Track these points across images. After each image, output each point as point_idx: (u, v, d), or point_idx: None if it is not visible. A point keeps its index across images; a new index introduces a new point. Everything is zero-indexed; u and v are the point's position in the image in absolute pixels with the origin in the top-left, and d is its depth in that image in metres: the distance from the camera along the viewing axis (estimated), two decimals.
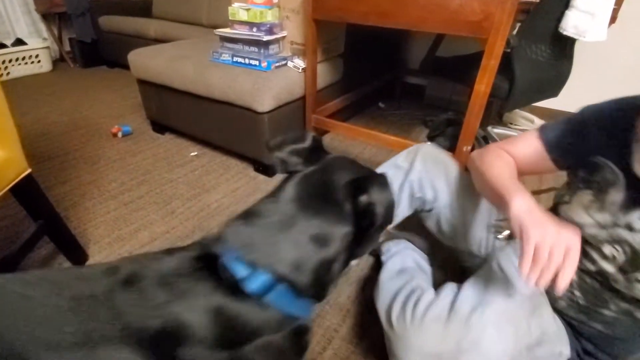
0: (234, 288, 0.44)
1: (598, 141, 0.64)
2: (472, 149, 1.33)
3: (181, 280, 0.44)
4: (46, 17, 3.41)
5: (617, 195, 0.60)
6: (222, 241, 0.47)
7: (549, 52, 1.51)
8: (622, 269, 0.61)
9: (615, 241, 0.61)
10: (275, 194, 0.51)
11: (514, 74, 1.45)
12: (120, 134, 2.06)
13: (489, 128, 1.90)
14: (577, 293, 0.73)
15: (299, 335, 0.51)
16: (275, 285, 0.45)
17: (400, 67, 2.57)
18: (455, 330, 0.69)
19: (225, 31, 1.58)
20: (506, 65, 1.43)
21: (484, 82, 1.17)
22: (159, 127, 2.11)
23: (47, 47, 3.28)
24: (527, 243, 0.55)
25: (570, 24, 1.32)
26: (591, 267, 0.67)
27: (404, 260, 1.01)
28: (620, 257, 0.61)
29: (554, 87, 1.64)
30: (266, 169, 1.70)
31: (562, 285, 0.52)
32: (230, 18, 1.55)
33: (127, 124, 2.17)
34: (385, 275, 0.96)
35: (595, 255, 0.66)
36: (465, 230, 0.95)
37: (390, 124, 2.31)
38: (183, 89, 1.71)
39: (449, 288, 0.77)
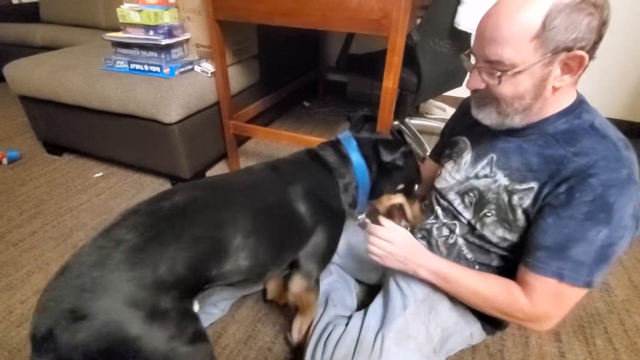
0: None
1: (455, 127, 0.93)
2: None
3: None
4: None
5: (467, 157, 0.82)
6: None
7: (450, 46, 1.60)
8: (474, 212, 0.78)
9: (470, 190, 0.80)
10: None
11: (420, 67, 1.51)
12: (5, 161, 1.75)
13: (407, 120, 1.98)
14: (469, 256, 0.83)
15: None
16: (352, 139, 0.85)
17: (321, 65, 2.57)
18: None
19: (117, 36, 1.41)
20: (412, 59, 1.49)
21: (390, 79, 1.20)
22: (54, 148, 1.84)
23: None
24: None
25: (462, 19, 1.41)
26: (464, 220, 0.81)
27: (326, 289, 1.03)
28: (473, 201, 0.79)
29: (458, 77, 1.75)
30: None
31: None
32: (120, 21, 1.38)
33: (14, 147, 1.86)
34: None
35: (461, 209, 0.82)
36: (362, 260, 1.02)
37: (316, 123, 2.30)
38: (74, 103, 1.49)
39: (357, 317, 0.85)
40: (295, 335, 0.93)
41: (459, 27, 1.44)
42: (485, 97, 0.69)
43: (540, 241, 0.66)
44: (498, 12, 0.60)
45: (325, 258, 0.82)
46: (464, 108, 0.89)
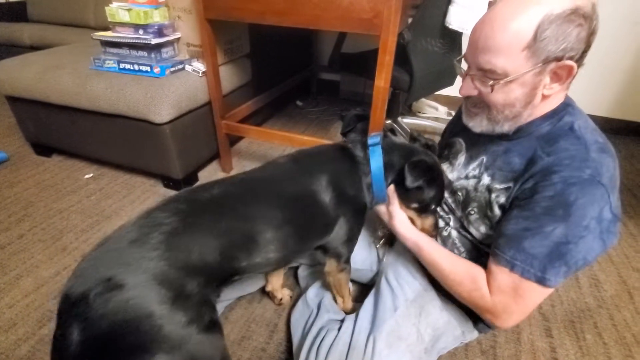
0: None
1: (454, 128, 0.94)
2: None
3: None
4: None
5: (461, 158, 0.85)
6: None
7: (441, 45, 1.61)
8: (462, 209, 0.81)
9: (460, 189, 0.83)
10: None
11: (412, 66, 1.52)
12: None
13: (400, 119, 1.99)
14: (461, 249, 0.85)
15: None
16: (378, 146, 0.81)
17: (314, 64, 2.57)
18: None
19: (106, 35, 1.39)
20: (404, 58, 1.50)
21: (382, 78, 1.20)
22: (44, 149, 1.81)
23: None
24: None
25: (453, 19, 1.42)
26: (457, 214, 0.84)
27: (320, 291, 1.04)
28: (460, 199, 0.82)
29: (449, 76, 1.76)
30: (178, 184, 1.56)
31: None
32: (109, 20, 1.36)
33: (2, 149, 1.83)
34: (298, 307, 1.01)
35: (454, 206, 0.85)
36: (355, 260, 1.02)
37: (309, 122, 2.30)
38: (63, 104, 1.47)
39: (349, 320, 0.85)
40: (344, 312, 0.98)
41: (450, 27, 1.45)
42: (477, 103, 0.70)
43: (502, 230, 0.68)
44: (491, 21, 0.61)
45: (351, 243, 0.87)
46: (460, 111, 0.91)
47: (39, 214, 1.43)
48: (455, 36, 1.66)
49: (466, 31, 1.46)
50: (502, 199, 0.71)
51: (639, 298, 1.16)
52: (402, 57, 1.47)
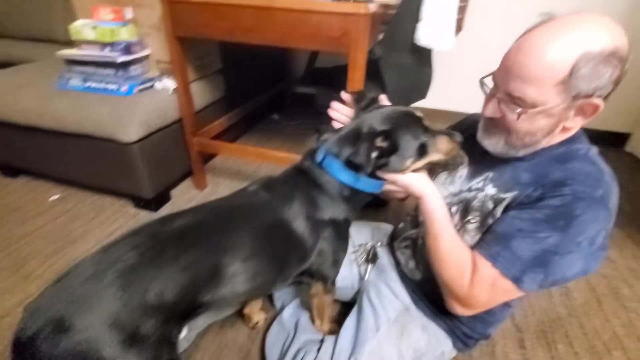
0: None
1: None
2: None
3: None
4: None
5: (463, 171, 0.84)
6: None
7: (412, 60, 1.64)
8: (460, 219, 0.80)
9: (459, 202, 0.81)
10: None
11: (384, 81, 1.54)
12: None
13: None
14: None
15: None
16: (327, 157, 0.75)
17: (289, 77, 2.57)
18: None
19: (71, 53, 1.35)
20: (377, 73, 1.52)
21: None
22: (9, 170, 1.73)
23: None
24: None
25: (422, 35, 1.45)
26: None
27: (296, 311, 1.02)
28: (459, 210, 0.81)
29: (421, 90, 1.79)
30: (149, 204, 1.51)
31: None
32: (73, 38, 1.33)
33: None
34: (274, 329, 0.98)
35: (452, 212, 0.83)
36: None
37: (285, 136, 2.29)
38: (26, 124, 1.41)
39: (329, 342, 0.84)
40: (322, 333, 0.95)
41: (419, 43, 1.48)
42: (498, 125, 0.69)
43: (493, 227, 0.69)
44: (528, 50, 0.60)
45: (336, 264, 0.84)
46: (467, 124, 0.90)
47: (2, 240, 1.36)
48: (426, 51, 1.70)
49: (435, 47, 1.49)
50: (504, 205, 0.71)
51: (607, 305, 1.19)
52: (374, 72, 1.49)
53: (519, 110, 0.62)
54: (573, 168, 0.65)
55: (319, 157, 0.77)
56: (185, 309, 0.61)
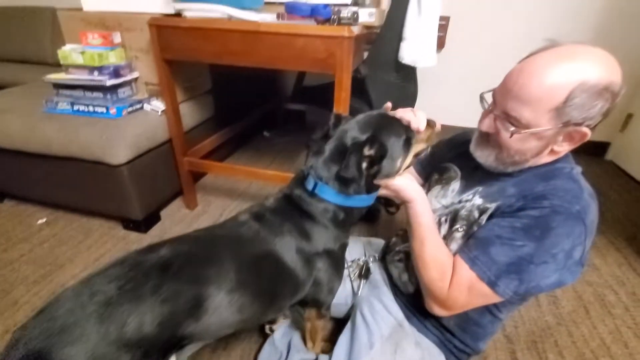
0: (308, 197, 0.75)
1: (447, 153, 0.95)
2: None
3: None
4: None
5: (456, 185, 0.86)
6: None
7: (397, 77, 1.69)
8: (449, 227, 0.81)
9: (449, 213, 0.83)
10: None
11: (370, 98, 1.58)
12: None
13: None
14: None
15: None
16: (319, 183, 0.74)
17: (279, 94, 2.61)
18: None
19: (59, 77, 1.36)
20: (363, 90, 1.56)
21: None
22: None
23: None
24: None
25: (405, 54, 1.50)
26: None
27: (288, 330, 1.02)
28: (448, 219, 0.83)
29: (407, 104, 1.83)
30: (138, 225, 1.50)
31: (420, 114, 0.77)
32: (62, 62, 1.34)
33: None
34: (266, 350, 0.98)
35: (438, 227, 0.85)
36: None
37: (276, 153, 2.31)
38: (12, 148, 1.40)
39: (323, 359, 0.84)
40: (314, 355, 0.95)
41: (403, 61, 1.53)
42: (491, 140, 0.72)
43: (476, 233, 0.72)
44: (531, 72, 0.62)
45: (330, 292, 0.84)
46: (459, 139, 0.93)
47: None
48: (411, 68, 1.75)
49: (418, 65, 1.54)
50: (490, 212, 0.73)
51: (594, 312, 1.22)
52: (361, 89, 1.53)
53: (512, 129, 0.65)
54: (555, 184, 0.68)
55: (309, 185, 0.75)
56: (167, 342, 0.59)
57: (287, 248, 0.73)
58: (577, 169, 0.72)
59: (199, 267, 0.64)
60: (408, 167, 0.80)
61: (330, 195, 0.74)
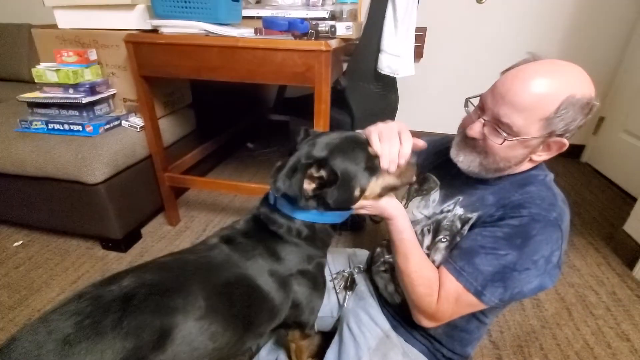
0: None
1: (424, 162, 0.93)
2: None
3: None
4: None
5: (436, 195, 0.87)
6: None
7: (377, 86, 1.72)
8: (432, 238, 0.82)
9: (431, 223, 0.83)
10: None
11: (351, 109, 1.59)
12: None
13: None
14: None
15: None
16: (279, 198, 0.72)
17: (262, 106, 2.61)
18: None
19: (33, 96, 1.33)
20: (344, 101, 1.57)
21: (320, 125, 1.24)
22: None
23: None
24: (371, 136, 0.70)
25: (384, 65, 1.52)
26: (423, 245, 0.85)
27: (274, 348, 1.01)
28: (430, 229, 0.83)
29: (388, 114, 1.86)
30: (117, 244, 1.46)
31: (406, 150, 0.68)
32: (36, 81, 1.31)
33: None
34: None
35: (421, 238, 0.85)
36: None
37: (259, 164, 2.30)
38: None
39: None
40: None
41: (382, 72, 1.55)
42: (477, 146, 0.72)
43: (459, 243, 0.73)
44: (525, 79, 0.63)
45: (312, 312, 0.81)
46: (436, 147, 0.92)
47: None
48: (390, 78, 1.77)
49: (397, 75, 1.57)
50: (472, 222, 0.74)
51: (576, 314, 1.24)
52: (341, 100, 1.54)
53: (505, 135, 0.66)
54: (531, 192, 0.69)
55: (271, 199, 0.74)
56: None
57: (259, 272, 0.70)
58: (550, 176, 0.74)
59: (165, 296, 0.60)
60: (385, 194, 0.74)
61: (287, 209, 0.72)
